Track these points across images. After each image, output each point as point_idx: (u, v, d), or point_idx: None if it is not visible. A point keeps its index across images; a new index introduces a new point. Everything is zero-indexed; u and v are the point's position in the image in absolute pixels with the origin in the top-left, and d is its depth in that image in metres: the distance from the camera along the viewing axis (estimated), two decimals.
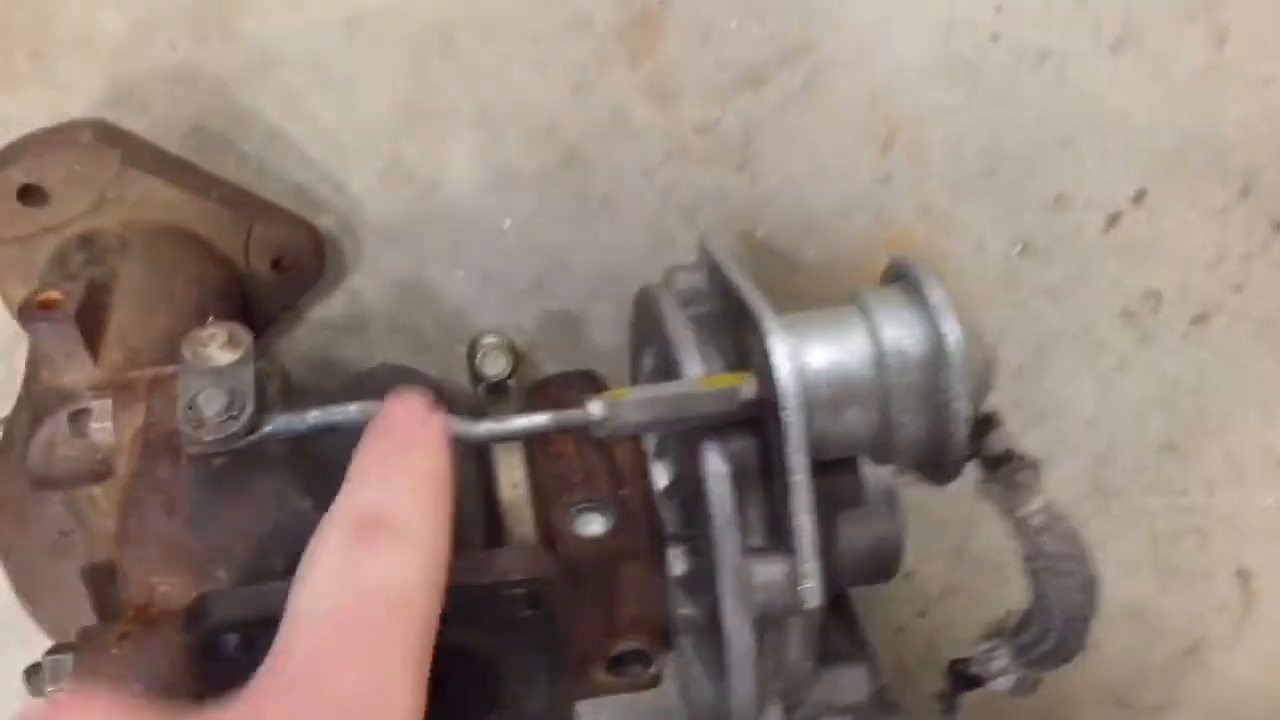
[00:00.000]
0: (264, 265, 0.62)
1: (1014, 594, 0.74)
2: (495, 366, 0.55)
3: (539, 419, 0.47)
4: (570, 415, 0.47)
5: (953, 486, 0.50)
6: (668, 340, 0.52)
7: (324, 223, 0.69)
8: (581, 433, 0.56)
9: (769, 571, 0.46)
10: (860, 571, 0.57)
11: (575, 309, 0.71)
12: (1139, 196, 0.72)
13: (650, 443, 0.54)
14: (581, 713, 0.53)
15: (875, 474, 0.57)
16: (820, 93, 0.71)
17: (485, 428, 0.46)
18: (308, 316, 0.70)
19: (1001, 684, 0.54)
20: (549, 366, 0.71)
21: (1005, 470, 0.49)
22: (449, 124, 0.70)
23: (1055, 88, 0.71)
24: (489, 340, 0.56)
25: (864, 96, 0.71)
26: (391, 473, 0.35)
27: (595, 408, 0.46)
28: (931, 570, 0.72)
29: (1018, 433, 0.72)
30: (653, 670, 0.53)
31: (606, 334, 0.72)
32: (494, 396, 0.56)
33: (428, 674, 0.30)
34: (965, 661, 0.55)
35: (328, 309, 0.70)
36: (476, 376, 0.56)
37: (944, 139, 0.72)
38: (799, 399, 0.45)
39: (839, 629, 0.60)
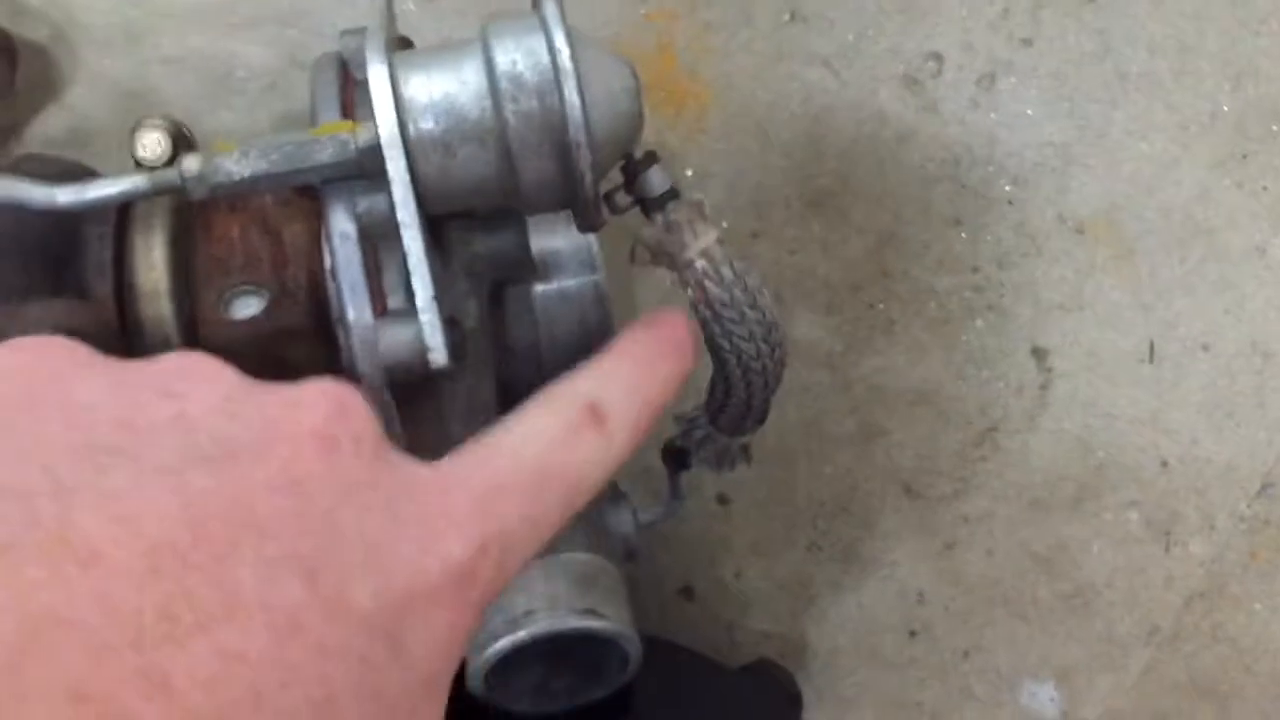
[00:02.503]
0: None
1: None
2: (147, 150, 0.50)
3: (128, 181, 0.43)
4: (164, 174, 0.43)
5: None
6: (312, 99, 0.47)
7: (38, 34, 0.65)
8: (248, 215, 0.52)
9: (395, 334, 0.42)
10: (571, 346, 0.53)
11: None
12: None
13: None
14: None
15: (574, 238, 0.53)
16: None
17: (66, 195, 0.42)
18: (26, 134, 0.65)
19: (707, 458, 0.50)
20: None
21: (663, 212, 0.44)
22: None
23: None
24: (148, 122, 0.51)
25: None
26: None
27: (190, 162, 0.42)
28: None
29: (800, 211, 0.68)
30: None
31: None
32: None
33: None
34: (674, 439, 0.51)
35: (46, 125, 0.66)
36: (136, 163, 0.51)
37: None
38: (396, 133, 0.40)
39: None
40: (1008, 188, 0.67)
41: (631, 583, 0.55)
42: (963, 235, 0.67)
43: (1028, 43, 0.66)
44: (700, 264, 0.44)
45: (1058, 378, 0.68)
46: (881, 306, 0.68)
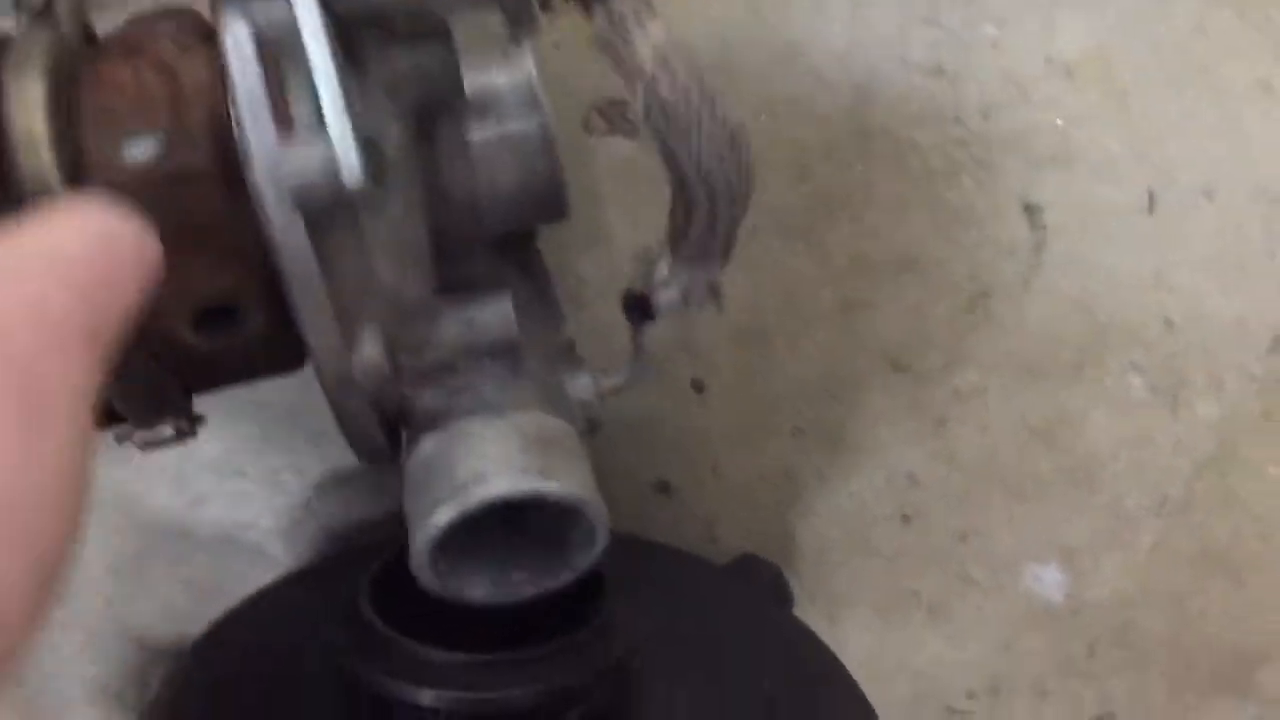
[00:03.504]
0: None
1: None
2: None
3: None
4: None
5: None
6: None
7: None
8: (144, 59, 0.46)
9: (302, 154, 0.37)
10: (514, 197, 0.48)
11: None
12: None
13: None
14: None
15: (513, 74, 0.48)
16: None
17: None
18: None
19: (671, 298, 0.45)
20: None
21: (604, 4, 0.39)
22: None
23: None
24: None
25: None
26: None
27: None
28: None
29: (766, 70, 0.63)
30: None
31: None
32: (41, 23, 0.46)
33: None
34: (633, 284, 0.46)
35: None
36: (15, 3, 0.46)
37: None
38: None
39: (519, 279, 0.51)
40: (990, 30, 0.62)
41: (602, 478, 0.50)
42: (944, 85, 0.62)
43: None
44: (650, 63, 0.39)
45: (1052, 235, 0.63)
46: (859, 167, 0.63)
